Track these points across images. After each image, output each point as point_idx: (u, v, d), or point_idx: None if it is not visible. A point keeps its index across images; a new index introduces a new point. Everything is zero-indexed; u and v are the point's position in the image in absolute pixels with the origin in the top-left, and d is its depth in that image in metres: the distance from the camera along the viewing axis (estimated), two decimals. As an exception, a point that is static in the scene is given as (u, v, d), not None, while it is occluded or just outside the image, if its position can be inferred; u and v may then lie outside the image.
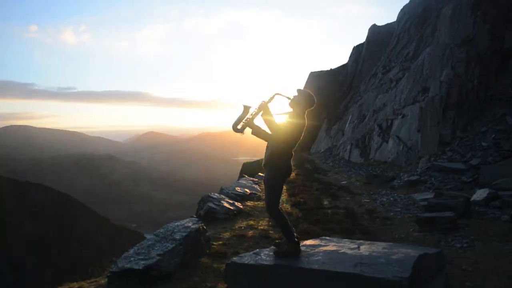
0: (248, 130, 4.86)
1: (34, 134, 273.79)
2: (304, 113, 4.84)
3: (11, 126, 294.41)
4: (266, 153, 4.88)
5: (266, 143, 4.92)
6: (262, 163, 4.94)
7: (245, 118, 4.81)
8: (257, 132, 4.86)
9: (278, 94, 4.91)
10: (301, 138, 4.82)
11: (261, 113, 4.80)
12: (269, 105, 4.82)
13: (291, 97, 4.90)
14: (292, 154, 4.83)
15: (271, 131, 4.78)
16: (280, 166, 4.77)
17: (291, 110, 4.89)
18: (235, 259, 5.01)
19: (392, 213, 11.82)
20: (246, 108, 4.83)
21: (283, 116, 4.89)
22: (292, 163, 4.86)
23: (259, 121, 4.85)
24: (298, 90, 4.92)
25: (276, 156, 4.74)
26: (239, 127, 4.81)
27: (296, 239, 4.82)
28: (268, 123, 4.76)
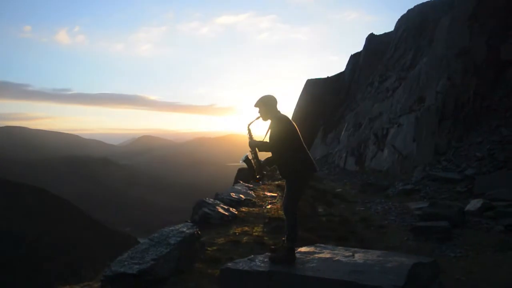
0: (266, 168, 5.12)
1: (29, 135, 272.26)
2: (278, 111, 4.93)
3: (5, 127, 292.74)
4: (277, 164, 5.00)
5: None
6: (280, 174, 5.10)
7: (254, 165, 5.00)
8: (270, 162, 5.04)
9: (250, 124, 5.05)
10: (297, 130, 4.86)
11: (256, 150, 4.98)
12: (254, 136, 5.02)
13: (258, 115, 5.00)
14: (303, 148, 4.88)
15: (270, 150, 4.92)
16: (296, 166, 4.80)
17: (268, 121, 4.98)
18: (229, 264, 5.01)
19: (386, 222, 11.84)
20: (247, 161, 5.02)
21: (269, 131, 5.00)
22: (308, 157, 4.91)
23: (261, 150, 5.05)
24: (256, 105, 5.01)
25: (287, 160, 4.81)
26: (258, 176, 5.05)
27: (293, 246, 4.84)
28: (265, 149, 4.94)
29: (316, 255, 4.93)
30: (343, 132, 31.15)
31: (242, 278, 4.70)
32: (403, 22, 35.26)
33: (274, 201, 12.10)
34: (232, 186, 15.66)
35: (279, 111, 4.93)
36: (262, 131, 5.04)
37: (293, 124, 4.83)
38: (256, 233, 8.51)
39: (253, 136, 4.99)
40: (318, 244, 5.56)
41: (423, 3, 34.07)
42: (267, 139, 4.92)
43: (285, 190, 4.99)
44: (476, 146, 17.60)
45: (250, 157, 4.98)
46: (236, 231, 8.57)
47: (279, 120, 4.81)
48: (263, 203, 12.08)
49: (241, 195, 12.36)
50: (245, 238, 8.02)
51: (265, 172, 5.10)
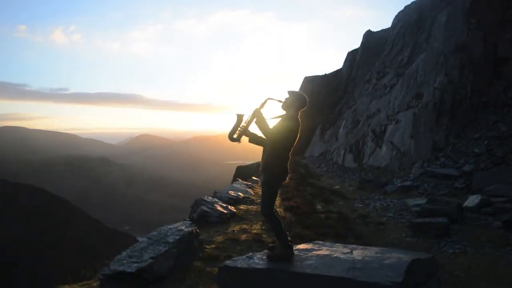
0: (245, 138, 4.92)
1: (27, 135, 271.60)
2: (298, 114, 4.87)
3: (3, 127, 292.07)
4: (262, 157, 4.90)
5: (261, 148, 4.95)
6: (260, 168, 4.96)
7: (240, 127, 4.85)
8: (253, 139, 4.92)
9: (270, 98, 4.94)
10: (296, 140, 4.84)
11: (255, 119, 4.83)
12: (262, 110, 4.87)
13: (283, 100, 4.94)
14: (289, 157, 4.84)
15: (265, 136, 4.81)
16: (276, 169, 4.77)
17: (284, 112, 4.92)
18: (228, 262, 5.00)
19: (385, 218, 11.85)
20: (240, 117, 4.87)
21: (277, 119, 4.91)
22: (288, 165, 4.87)
23: (254, 128, 4.89)
24: (289, 92, 4.95)
25: (272, 159, 4.75)
26: (235, 136, 4.86)
27: (289, 243, 4.82)
28: (262, 128, 4.79)
29: (314, 252, 4.93)
30: (341, 129, 31.16)
31: (241, 276, 4.70)
32: (400, 18, 35.27)
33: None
34: (231, 184, 15.67)
35: (298, 114, 4.87)
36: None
37: (297, 135, 4.82)
38: (255, 231, 8.53)
39: (262, 108, 4.87)
40: (316, 241, 5.56)
41: (420, -1, 34.09)
42: (270, 122, 4.88)
43: (262, 192, 4.98)
44: (474, 142, 17.62)
45: (243, 119, 4.88)
46: (235, 229, 8.58)
47: (293, 121, 4.76)
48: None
49: (239, 193, 12.39)
50: (243, 236, 8.03)
51: (240, 142, 4.97)
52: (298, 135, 4.84)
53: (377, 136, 23.68)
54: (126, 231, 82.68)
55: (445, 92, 19.81)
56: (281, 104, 4.94)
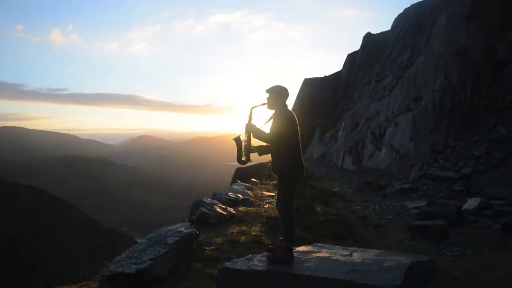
0: (254, 155, 4.99)
1: (25, 135, 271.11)
2: (286, 105, 4.87)
3: (1, 127, 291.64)
4: (272, 160, 4.91)
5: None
6: (272, 170, 4.97)
7: (243, 148, 4.91)
8: (260, 151, 4.99)
9: (254, 107, 4.96)
10: (299, 129, 4.83)
11: (251, 134, 4.89)
12: (254, 121, 4.92)
13: (266, 101, 4.95)
14: (300, 151, 4.83)
15: (267, 141, 4.83)
16: (292, 167, 4.76)
17: (273, 111, 4.92)
18: (227, 264, 5.00)
19: (384, 221, 11.86)
20: (237, 140, 4.93)
21: (271, 121, 4.93)
22: (303, 160, 4.87)
23: (254, 142, 4.95)
24: (268, 90, 4.95)
25: (285, 159, 4.74)
26: (243, 159, 4.93)
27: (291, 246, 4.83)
28: (261, 138, 4.82)
29: (314, 254, 4.93)
30: (340, 131, 31.16)
31: (240, 278, 4.70)
32: (400, 21, 35.32)
33: (272, 200, 12.11)
34: (230, 185, 15.65)
35: (286, 106, 4.88)
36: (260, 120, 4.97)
37: (297, 125, 4.80)
38: (254, 233, 8.51)
39: (252, 120, 4.92)
40: (316, 244, 5.56)
41: (419, 2, 34.14)
42: (265, 128, 4.88)
43: (278, 189, 4.97)
44: (473, 144, 17.63)
45: (242, 139, 4.92)
46: (234, 231, 8.56)
47: (285, 116, 4.74)
48: (261, 203, 12.09)
49: (238, 195, 12.36)
50: (243, 238, 8.01)
51: (250, 160, 5.01)
52: (298, 126, 4.84)
53: (376, 139, 23.70)
54: (125, 232, 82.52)
55: (445, 95, 19.84)
56: (266, 105, 4.96)
